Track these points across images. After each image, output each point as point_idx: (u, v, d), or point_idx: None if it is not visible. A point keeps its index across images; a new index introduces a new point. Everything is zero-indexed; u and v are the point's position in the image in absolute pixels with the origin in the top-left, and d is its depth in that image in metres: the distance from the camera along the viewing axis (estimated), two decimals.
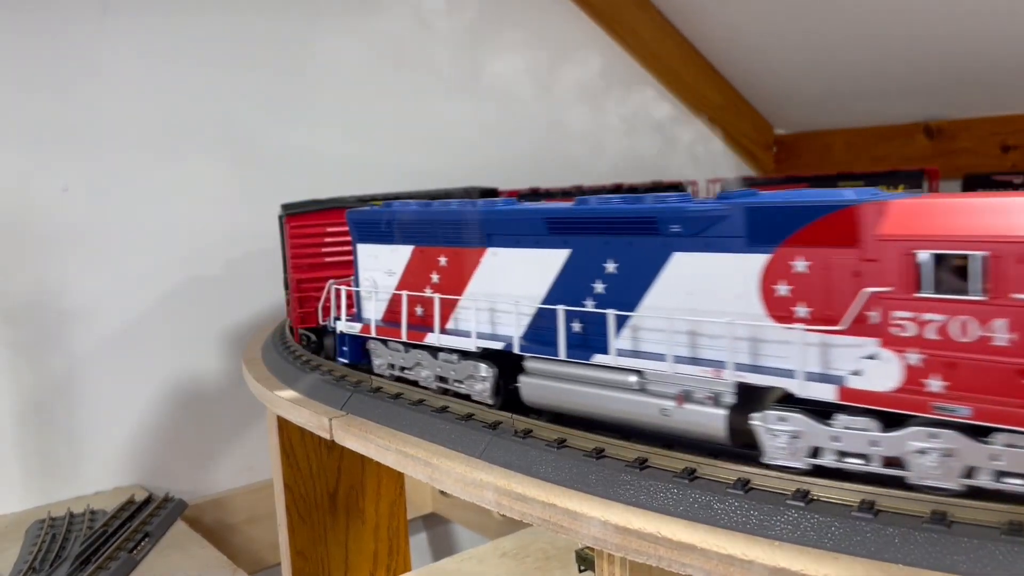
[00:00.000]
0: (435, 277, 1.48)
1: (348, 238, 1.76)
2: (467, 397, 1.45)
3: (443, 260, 1.46)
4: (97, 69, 2.62)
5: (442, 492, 2.18)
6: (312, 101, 3.03)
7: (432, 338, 1.46)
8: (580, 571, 1.83)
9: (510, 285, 1.35)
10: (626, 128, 3.79)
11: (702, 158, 4.09)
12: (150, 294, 2.73)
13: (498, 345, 1.35)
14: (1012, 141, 3.43)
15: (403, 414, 1.51)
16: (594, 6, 3.72)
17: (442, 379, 1.50)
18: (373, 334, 1.58)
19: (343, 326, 1.64)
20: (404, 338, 1.50)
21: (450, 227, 1.44)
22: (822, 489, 0.99)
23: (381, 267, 1.58)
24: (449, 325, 1.47)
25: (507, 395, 1.41)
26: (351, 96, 3.12)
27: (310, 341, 1.98)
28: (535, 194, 2.84)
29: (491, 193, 2.52)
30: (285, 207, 2.15)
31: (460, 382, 1.45)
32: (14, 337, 2.54)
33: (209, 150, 2.80)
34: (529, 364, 1.33)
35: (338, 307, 1.68)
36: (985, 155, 3.45)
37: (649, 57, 3.88)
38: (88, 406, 2.65)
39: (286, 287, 2.19)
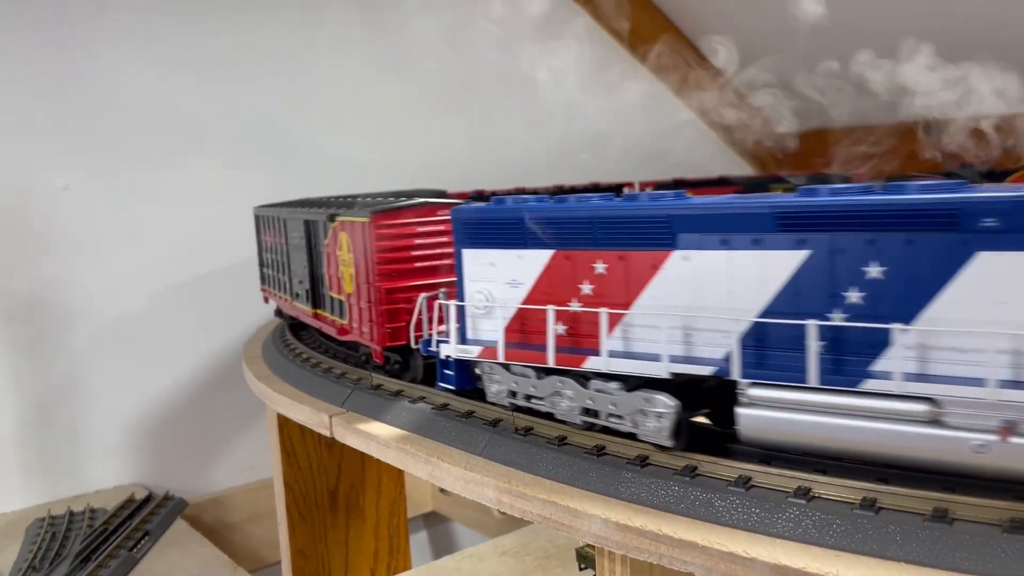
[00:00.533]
0: (586, 287, 1.22)
1: (436, 240, 1.58)
2: (630, 436, 1.18)
3: (600, 266, 1.20)
4: (97, 68, 2.62)
5: (442, 490, 2.18)
6: (314, 100, 3.02)
7: (597, 363, 1.19)
8: (581, 569, 1.82)
9: (708, 296, 1.10)
10: (624, 127, 3.80)
11: (701, 157, 4.10)
12: (151, 293, 2.73)
13: (704, 370, 1.10)
14: (1012, 140, 3.42)
15: (404, 411, 1.51)
16: (592, 2, 3.72)
17: (590, 412, 1.24)
18: (500, 358, 1.31)
19: (454, 350, 1.36)
20: (551, 363, 1.24)
21: (617, 225, 1.19)
22: (823, 487, 0.99)
23: (501, 277, 1.32)
24: (598, 345, 1.20)
25: (691, 433, 1.16)
26: (352, 96, 3.11)
27: (390, 362, 1.69)
28: (480, 196, 2.81)
29: (439, 195, 2.40)
30: (321, 205, 2.03)
31: (620, 417, 1.19)
32: (15, 336, 2.54)
33: (209, 149, 2.80)
34: (754, 393, 1.06)
35: (432, 324, 1.44)
36: (986, 154, 3.44)
37: (648, 54, 3.88)
38: (88, 405, 2.65)
39: (311, 296, 2.00)
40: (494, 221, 1.33)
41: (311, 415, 1.68)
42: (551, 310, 1.24)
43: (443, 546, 3.43)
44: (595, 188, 2.90)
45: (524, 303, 1.29)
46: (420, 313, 1.47)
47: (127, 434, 2.72)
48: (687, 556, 0.97)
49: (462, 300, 1.37)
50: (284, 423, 2.05)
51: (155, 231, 2.72)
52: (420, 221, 1.62)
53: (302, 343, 2.14)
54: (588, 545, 1.66)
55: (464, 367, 1.40)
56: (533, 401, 1.31)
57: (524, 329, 1.30)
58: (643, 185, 3.00)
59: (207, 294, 2.81)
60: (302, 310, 2.09)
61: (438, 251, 1.61)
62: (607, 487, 1.11)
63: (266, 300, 2.54)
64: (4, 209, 2.51)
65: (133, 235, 2.69)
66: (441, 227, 1.61)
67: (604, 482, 1.12)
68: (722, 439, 1.15)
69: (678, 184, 2.97)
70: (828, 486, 0.99)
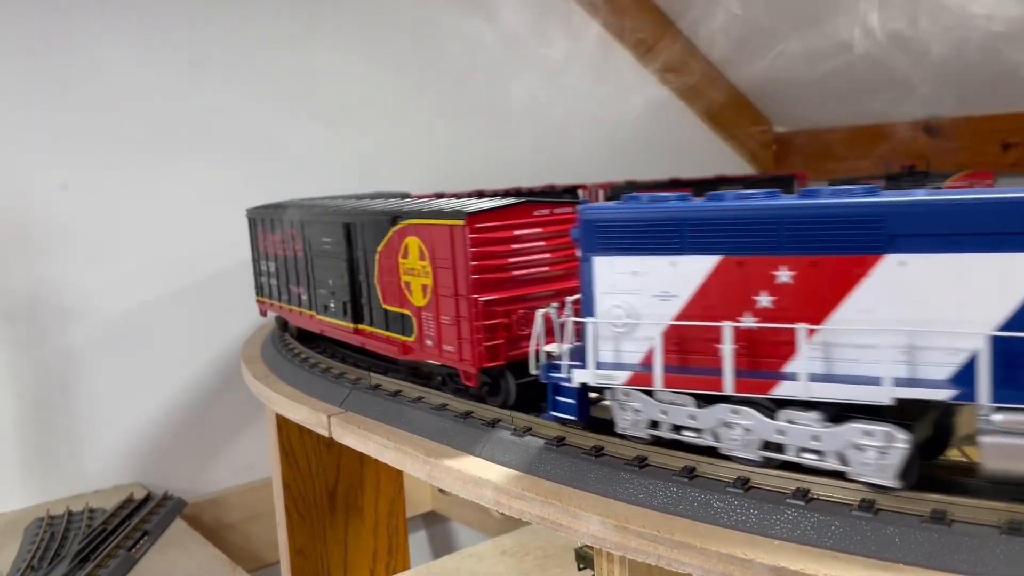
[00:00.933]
0: (764, 299, 1.04)
1: (534, 245, 1.42)
2: (835, 475, 1.00)
3: (784, 274, 1.03)
4: (96, 66, 2.62)
5: (441, 490, 2.18)
6: (315, 101, 3.02)
7: (792, 388, 1.01)
8: (580, 569, 1.82)
9: (931, 306, 0.95)
10: (623, 126, 3.80)
11: (701, 156, 4.11)
12: (149, 292, 2.73)
13: (937, 395, 0.94)
14: (1012, 139, 3.43)
15: (402, 411, 1.51)
16: (593, 3, 3.72)
17: (773, 446, 1.05)
18: (658, 385, 1.11)
19: (592, 376, 1.16)
20: (729, 389, 1.06)
21: (811, 226, 1.02)
22: (822, 488, 0.99)
23: (647, 288, 1.13)
24: (791, 368, 1.02)
25: (921, 469, 0.99)
26: (353, 97, 3.12)
27: (481, 384, 1.48)
28: (439, 198, 2.77)
29: (403, 197, 2.24)
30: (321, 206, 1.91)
31: (819, 453, 1.01)
32: (13, 335, 2.53)
33: (209, 148, 2.80)
34: (1003, 419, 0.91)
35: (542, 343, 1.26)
36: (985, 153, 3.45)
37: (648, 55, 3.88)
38: (87, 404, 2.65)
39: (350, 310, 1.77)
40: (640, 222, 1.13)
41: (309, 415, 1.68)
42: (728, 327, 1.04)
43: (442, 546, 3.43)
44: (550, 190, 2.91)
45: (677, 318, 1.10)
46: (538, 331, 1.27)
47: (126, 434, 2.72)
48: (685, 557, 0.97)
49: (590, 316, 1.17)
50: (283, 423, 2.05)
51: (155, 230, 2.72)
52: (518, 223, 1.43)
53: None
54: (587, 545, 1.66)
55: (584, 393, 1.22)
56: (684, 433, 1.13)
57: (682, 350, 1.11)
58: (595, 187, 3.01)
59: (206, 293, 2.81)
60: (334, 325, 1.86)
61: (535, 257, 1.44)
62: (605, 488, 1.11)
63: (263, 313, 2.38)
64: (3, 208, 2.50)
65: (133, 234, 2.69)
66: (538, 229, 1.44)
67: (602, 483, 1.12)
68: (941, 471, 1.03)
69: (629, 186, 2.99)
70: (826, 487, 0.98)
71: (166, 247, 2.74)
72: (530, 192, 2.83)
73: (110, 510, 2.39)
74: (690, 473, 1.07)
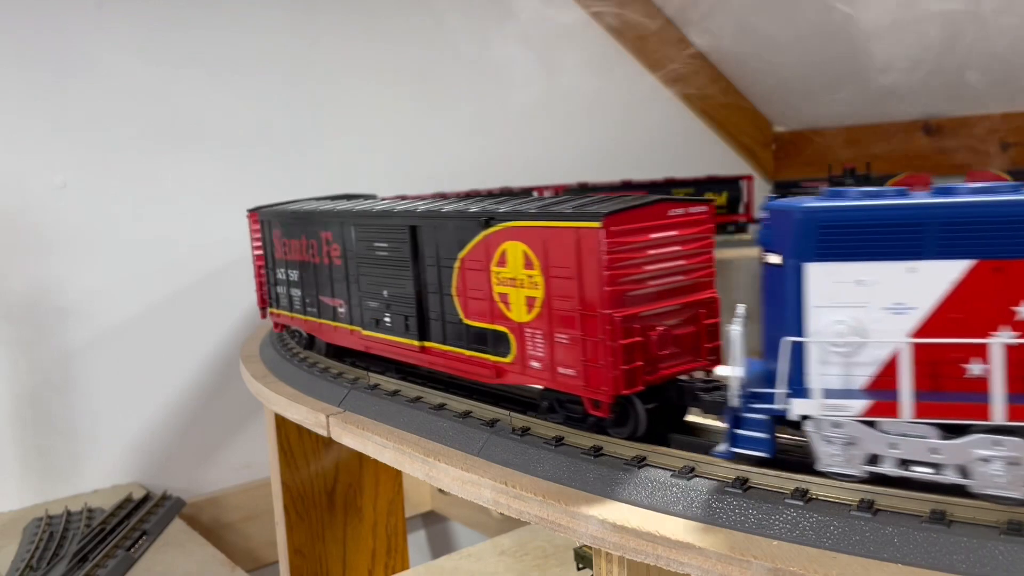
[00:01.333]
0: None
1: (670, 251, 1.24)
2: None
3: None
4: (94, 64, 2.62)
5: (440, 490, 2.19)
6: (314, 99, 3.02)
7: None
8: (579, 569, 1.82)
9: None
10: (623, 125, 3.79)
11: (701, 156, 4.11)
12: (148, 291, 2.73)
13: None
14: (1011, 139, 3.43)
15: (401, 411, 1.51)
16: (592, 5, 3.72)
17: None
18: (906, 416, 0.94)
19: (818, 407, 0.99)
20: (1000, 417, 0.90)
21: None
22: (820, 488, 0.98)
23: (876, 299, 0.96)
24: None
25: None
26: (354, 96, 3.11)
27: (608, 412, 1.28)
28: (403, 199, 2.73)
29: (371, 198, 2.07)
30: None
31: None
32: (11, 334, 2.53)
33: (208, 147, 2.80)
34: None
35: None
36: (985, 153, 3.45)
37: (648, 55, 3.88)
38: (86, 404, 2.65)
39: (412, 321, 1.55)
40: (872, 222, 0.96)
41: (308, 415, 1.68)
42: (998, 344, 0.90)
43: (441, 546, 3.43)
44: (507, 192, 2.93)
45: (916, 334, 0.94)
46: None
47: (124, 433, 2.72)
48: (684, 557, 0.96)
49: (797, 334, 1.00)
50: (281, 423, 2.05)
51: (154, 228, 2.72)
52: (653, 225, 1.24)
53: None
54: (586, 545, 1.66)
55: (770, 427, 1.05)
56: (915, 468, 0.96)
57: (926, 372, 0.95)
58: (549, 190, 3.03)
59: (205, 292, 2.81)
60: (390, 343, 1.64)
61: (670, 264, 1.25)
62: (604, 487, 1.11)
63: (279, 328, 2.16)
64: (1, 208, 2.50)
65: (132, 232, 2.69)
66: (673, 232, 1.26)
67: (601, 482, 1.12)
68: None
69: (583, 188, 3.03)
70: (825, 487, 0.98)
71: (164, 246, 2.74)
72: (489, 193, 2.81)
73: (109, 510, 2.39)
74: (689, 473, 1.07)
